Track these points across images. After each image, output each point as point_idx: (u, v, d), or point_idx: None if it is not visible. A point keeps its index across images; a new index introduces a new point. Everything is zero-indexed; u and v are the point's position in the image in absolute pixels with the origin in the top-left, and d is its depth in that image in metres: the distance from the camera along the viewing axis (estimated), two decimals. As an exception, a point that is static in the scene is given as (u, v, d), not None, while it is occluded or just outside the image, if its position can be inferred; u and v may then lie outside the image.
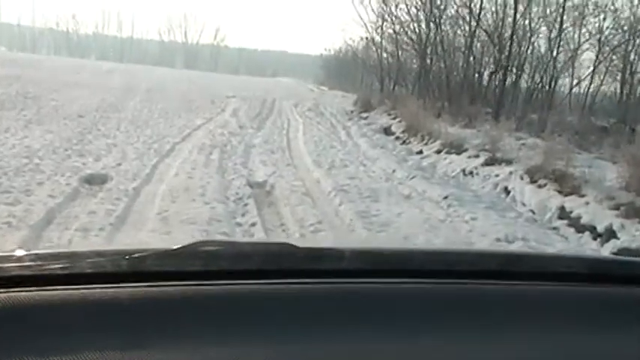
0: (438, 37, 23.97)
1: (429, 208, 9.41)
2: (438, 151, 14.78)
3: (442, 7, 23.62)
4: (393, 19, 29.20)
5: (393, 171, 12.37)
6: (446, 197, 9.97)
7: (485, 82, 22.36)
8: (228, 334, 1.22)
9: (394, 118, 21.67)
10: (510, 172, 11.63)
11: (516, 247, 7.45)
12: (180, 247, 1.36)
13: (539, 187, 10.61)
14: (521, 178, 11.21)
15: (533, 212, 9.92)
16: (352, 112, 26.80)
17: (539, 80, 21.91)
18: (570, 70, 22.68)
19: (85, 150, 11.97)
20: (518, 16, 20.02)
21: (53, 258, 1.34)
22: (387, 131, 19.33)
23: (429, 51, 25.95)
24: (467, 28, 22.27)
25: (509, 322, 1.38)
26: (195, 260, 1.37)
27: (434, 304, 1.39)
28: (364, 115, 24.64)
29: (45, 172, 9.62)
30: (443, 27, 23.60)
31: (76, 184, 9.03)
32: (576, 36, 22.16)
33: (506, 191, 11.11)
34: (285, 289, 1.34)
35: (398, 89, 31.01)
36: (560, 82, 22.17)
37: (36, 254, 1.36)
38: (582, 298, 1.51)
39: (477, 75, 23.14)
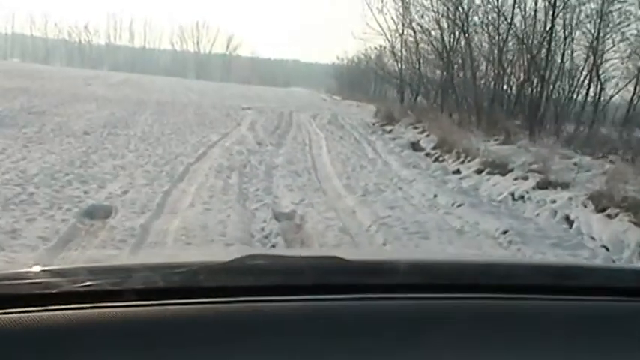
0: (463, 45, 22.44)
1: (490, 247, 7.93)
2: (479, 171, 13.29)
3: (469, 12, 22.05)
4: (415, 26, 27.74)
5: (435, 196, 10.89)
6: (505, 232, 8.49)
7: (514, 93, 20.77)
8: (280, 352, 1.19)
9: (421, 132, 20.21)
10: (570, 198, 10.14)
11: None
12: (229, 261, 1.37)
13: (609, 217, 9.10)
14: (584, 206, 9.71)
15: (607, 249, 8.38)
16: (374, 124, 25.38)
17: (572, 90, 20.36)
18: (608, 80, 21.07)
19: (89, 174, 10.53)
20: (551, 21, 18.48)
21: (102, 273, 1.34)
22: (415, 147, 17.85)
23: (454, 60, 24.49)
24: (496, 35, 20.71)
25: (573, 341, 1.32)
26: (244, 275, 1.34)
27: (490, 320, 1.32)
28: (387, 128, 23.17)
29: (39, 203, 8.19)
30: (470, 34, 22.02)
31: (74, 220, 7.59)
32: (610, 42, 20.54)
33: (568, 221, 9.58)
34: (336, 305, 1.29)
35: (419, 101, 29.60)
36: (590, 91, 20.47)
37: (84, 268, 1.37)
38: None
39: (506, 86, 21.59)
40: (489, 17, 20.89)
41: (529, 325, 1.31)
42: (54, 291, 1.23)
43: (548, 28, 18.58)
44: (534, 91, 19.07)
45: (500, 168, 12.96)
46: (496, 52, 20.86)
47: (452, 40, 24.25)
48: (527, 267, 1.77)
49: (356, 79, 62.91)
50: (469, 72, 22.39)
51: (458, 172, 13.95)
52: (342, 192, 10.75)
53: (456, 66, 24.21)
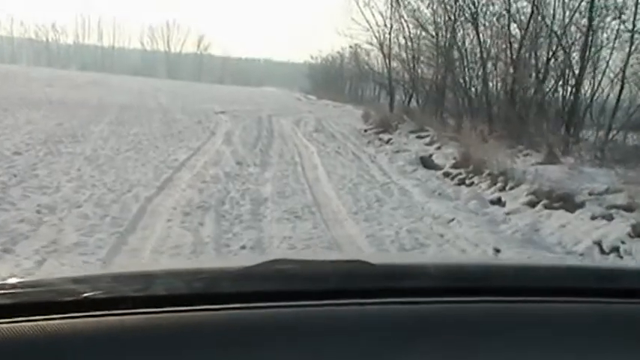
0: (473, 40, 18.99)
1: None
2: (531, 204, 9.85)
3: (481, 3, 18.59)
4: (408, 19, 24.32)
5: (497, 251, 7.42)
6: None
7: (543, 97, 17.33)
8: (308, 356, 1.16)
9: (430, 144, 16.72)
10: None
11: None
12: (253, 266, 1.35)
13: None
14: None
15: None
16: (366, 131, 21.83)
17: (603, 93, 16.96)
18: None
19: (-6, 227, 6.97)
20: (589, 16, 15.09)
21: (125, 280, 1.33)
22: (427, 163, 14.33)
23: (455, 57, 21.09)
24: (517, 29, 17.28)
25: (601, 344, 1.27)
26: (270, 280, 1.32)
27: (520, 324, 1.28)
28: (384, 137, 19.56)
29: None
30: (480, 27, 18.56)
31: None
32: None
33: None
34: (362, 309, 1.25)
35: (408, 103, 26.18)
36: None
37: (106, 275, 1.38)
38: None
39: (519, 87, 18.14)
40: (513, 7, 17.37)
41: (561, 328, 1.27)
42: (74, 298, 1.19)
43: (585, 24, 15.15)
44: (569, 94, 15.65)
45: (562, 200, 9.55)
46: (515, 46, 17.39)
47: (455, 35, 20.83)
48: (556, 270, 1.70)
49: (331, 79, 60.76)
50: (478, 71, 18.97)
51: (499, 202, 10.50)
52: (370, 250, 7.22)
53: (458, 63, 20.81)
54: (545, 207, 9.54)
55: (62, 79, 44.61)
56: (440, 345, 1.20)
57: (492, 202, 10.54)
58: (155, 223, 7.94)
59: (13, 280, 1.32)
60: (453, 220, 8.95)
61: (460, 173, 12.71)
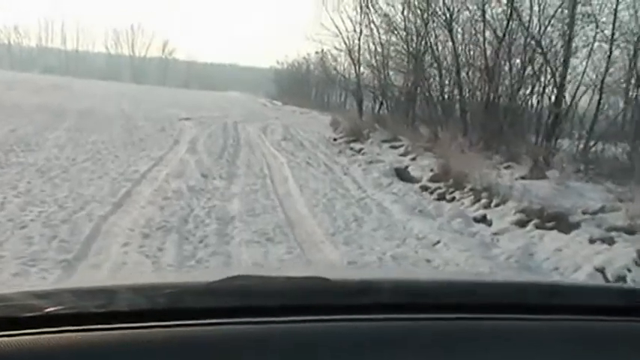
0: (449, 46, 18.20)
1: None
2: (521, 223, 9.04)
3: (455, 9, 17.82)
4: (379, 24, 23.52)
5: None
6: None
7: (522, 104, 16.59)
8: None
9: (404, 155, 15.88)
10: None
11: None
12: (214, 282, 1.34)
13: None
14: None
15: None
16: (335, 140, 20.94)
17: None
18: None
19: None
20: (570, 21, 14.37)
21: (85, 295, 1.30)
22: (403, 176, 13.47)
23: (427, 64, 20.33)
24: (494, 35, 16.52)
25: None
26: (229, 296, 1.32)
27: (476, 339, 1.28)
28: (355, 146, 18.65)
29: None
30: (456, 33, 17.79)
31: None
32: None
33: None
34: (320, 326, 1.26)
35: (378, 111, 25.35)
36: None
37: (67, 290, 1.34)
38: None
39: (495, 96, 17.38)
40: (488, 13, 16.62)
41: (514, 345, 1.28)
42: (36, 314, 1.17)
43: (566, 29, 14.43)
44: (545, 103, 14.91)
45: (555, 220, 8.78)
46: (491, 53, 16.64)
47: (427, 41, 20.07)
48: (513, 286, 1.71)
49: (296, 84, 60.33)
50: (452, 78, 18.20)
51: (484, 220, 9.69)
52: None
53: (431, 70, 20.04)
54: (537, 227, 8.75)
55: (23, 82, 43.00)
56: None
57: (477, 220, 9.73)
58: (109, 247, 6.99)
59: None
60: (439, 242, 8.11)
61: (439, 187, 11.88)
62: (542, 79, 16.55)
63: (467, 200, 10.77)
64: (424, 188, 12.21)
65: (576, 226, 8.38)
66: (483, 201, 10.39)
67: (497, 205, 10.02)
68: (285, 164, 14.34)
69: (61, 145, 14.43)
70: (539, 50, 15.09)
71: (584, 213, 8.71)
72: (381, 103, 24.92)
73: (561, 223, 8.56)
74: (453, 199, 11.14)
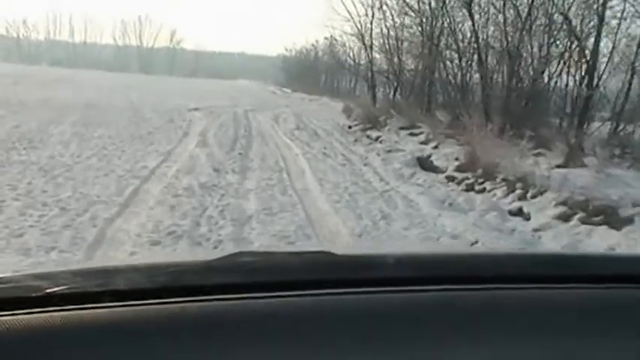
0: (469, 28, 17.27)
1: None
2: (564, 218, 8.21)
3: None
4: (390, 9, 22.63)
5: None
6: None
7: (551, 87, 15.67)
8: (270, 349, 1.13)
9: (425, 143, 15.02)
10: None
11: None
12: (216, 259, 1.33)
13: None
14: None
15: None
16: (350, 127, 20.08)
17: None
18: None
19: None
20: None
21: (86, 275, 1.31)
22: (425, 165, 12.65)
23: (447, 45, 19.42)
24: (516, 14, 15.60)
25: (571, 329, 1.26)
26: (234, 273, 1.29)
27: (483, 311, 1.26)
28: (372, 134, 17.78)
29: None
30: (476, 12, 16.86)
31: None
32: None
33: None
34: (325, 300, 1.24)
35: (393, 96, 24.43)
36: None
37: (68, 271, 1.33)
38: None
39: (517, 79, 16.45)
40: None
41: (520, 316, 1.26)
42: (36, 294, 1.17)
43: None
44: (575, 84, 14.03)
45: (602, 214, 7.94)
46: (513, 32, 15.73)
47: (445, 21, 19.16)
48: (522, 257, 1.69)
49: (305, 71, 59.90)
50: (471, 60, 17.30)
51: (521, 214, 8.86)
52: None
53: (449, 52, 19.13)
54: (582, 222, 7.92)
55: (31, 76, 42.39)
56: (405, 334, 1.17)
57: (512, 214, 8.92)
58: (113, 260, 6.20)
59: None
60: (476, 242, 7.28)
61: (467, 177, 11.04)
62: (568, 58, 15.67)
63: (499, 191, 9.94)
64: (450, 179, 11.38)
65: (629, 221, 7.56)
66: (518, 192, 9.56)
67: (533, 197, 9.19)
68: (300, 155, 13.51)
69: (66, 141, 13.65)
70: (567, 27, 14.12)
71: (635, 205, 7.86)
72: (396, 89, 24.02)
73: (611, 217, 7.73)
74: (484, 190, 10.31)
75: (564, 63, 16.03)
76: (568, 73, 15.94)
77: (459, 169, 11.63)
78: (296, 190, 9.82)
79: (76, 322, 1.11)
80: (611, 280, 1.39)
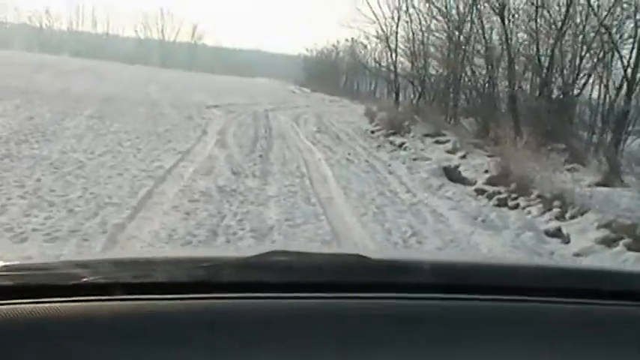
0: (500, 35, 16.61)
1: None
2: (608, 242, 7.57)
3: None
4: (417, 12, 21.98)
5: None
6: None
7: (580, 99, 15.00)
8: (301, 349, 1.13)
9: (452, 151, 14.38)
10: None
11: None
12: (252, 257, 1.34)
13: None
14: None
15: None
16: (373, 132, 19.46)
17: None
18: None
19: None
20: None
21: (125, 266, 1.31)
22: (453, 176, 12.03)
23: (471, 54, 18.77)
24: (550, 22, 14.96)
25: (591, 345, 1.25)
26: (266, 271, 1.29)
27: (510, 323, 1.24)
28: (396, 140, 17.14)
29: None
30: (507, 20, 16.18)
31: None
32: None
33: None
34: (357, 303, 1.23)
35: (417, 101, 23.78)
36: None
37: (108, 261, 1.34)
38: None
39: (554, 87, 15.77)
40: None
41: (548, 328, 1.23)
42: (77, 282, 1.18)
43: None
44: (611, 97, 13.35)
45: (652, 240, 7.26)
46: (547, 40, 15.10)
47: (472, 27, 18.52)
48: (551, 270, 1.65)
49: (325, 72, 59.76)
50: (497, 68, 16.65)
51: (559, 235, 8.22)
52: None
53: (477, 59, 18.49)
54: (629, 248, 7.27)
55: (52, 65, 42.00)
56: (432, 340, 1.17)
57: (550, 234, 8.29)
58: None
59: (14, 263, 1.27)
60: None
61: (499, 192, 10.40)
62: (603, 68, 15.03)
63: (534, 209, 9.30)
64: (480, 192, 10.75)
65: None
66: (555, 210, 8.92)
67: (573, 217, 8.55)
68: (323, 160, 12.89)
69: (80, 135, 13.12)
70: (602, 36, 13.44)
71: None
72: (420, 94, 23.34)
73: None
74: (517, 206, 9.67)
75: (598, 74, 15.40)
76: (600, 84, 15.30)
77: (489, 181, 11.00)
78: (319, 199, 9.22)
79: (112, 312, 1.11)
80: (614, 297, 1.36)
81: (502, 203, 9.92)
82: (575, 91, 15.78)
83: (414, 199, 9.89)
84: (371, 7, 26.61)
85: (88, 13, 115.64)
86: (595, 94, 15.26)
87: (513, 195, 10.02)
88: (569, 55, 15.42)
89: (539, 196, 9.53)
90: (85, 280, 1.17)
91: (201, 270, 1.24)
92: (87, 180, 8.96)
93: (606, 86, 14.11)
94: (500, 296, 1.29)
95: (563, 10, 14.75)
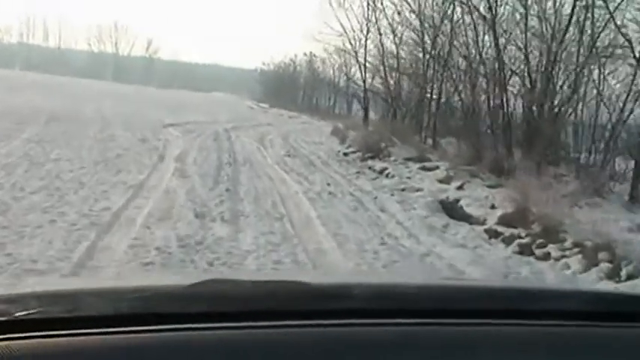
0: (492, 49, 14.78)
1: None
2: None
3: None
4: (390, 23, 20.16)
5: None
6: None
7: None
8: None
9: (447, 181, 12.36)
10: None
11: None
12: (189, 286, 1.25)
13: None
14: None
15: None
16: (346, 155, 17.40)
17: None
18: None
19: None
20: None
21: (52, 300, 1.20)
22: (453, 212, 10.07)
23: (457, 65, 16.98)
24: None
25: None
26: (204, 300, 1.21)
27: (455, 347, 1.17)
28: (375, 165, 15.06)
29: None
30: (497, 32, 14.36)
31: None
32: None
33: None
34: (296, 332, 1.16)
35: (391, 119, 21.90)
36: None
37: (35, 295, 1.23)
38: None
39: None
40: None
41: (496, 350, 1.19)
42: (4, 319, 1.09)
43: None
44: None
45: None
46: (541, 54, 13.37)
47: (454, 38, 16.73)
48: (496, 291, 1.59)
49: (283, 86, 58.26)
50: (490, 83, 14.85)
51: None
52: None
53: (459, 73, 16.67)
54: None
55: (1, 79, 39.34)
56: None
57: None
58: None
59: None
60: None
61: (519, 235, 8.45)
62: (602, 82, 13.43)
63: (573, 261, 7.37)
64: (493, 234, 8.80)
65: None
66: (603, 266, 6.98)
67: (630, 278, 6.62)
68: (301, 194, 10.74)
69: (12, 164, 10.84)
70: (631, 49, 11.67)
71: None
72: (395, 111, 21.35)
73: None
74: (548, 256, 7.73)
75: (597, 90, 13.74)
76: (601, 101, 13.62)
77: (503, 221, 9.05)
78: (308, 254, 7.13)
79: (41, 349, 1.03)
80: (594, 318, 1.29)
81: (527, 251, 7.98)
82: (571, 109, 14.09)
83: (422, 248, 7.86)
84: (339, 20, 24.57)
85: (40, 26, 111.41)
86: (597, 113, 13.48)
87: (539, 241, 8.08)
88: (564, 72, 13.70)
89: (576, 245, 7.59)
90: (14, 315, 1.08)
91: (134, 301, 1.15)
92: (7, 233, 6.77)
93: (605, 105, 12.50)
94: (446, 320, 1.22)
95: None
